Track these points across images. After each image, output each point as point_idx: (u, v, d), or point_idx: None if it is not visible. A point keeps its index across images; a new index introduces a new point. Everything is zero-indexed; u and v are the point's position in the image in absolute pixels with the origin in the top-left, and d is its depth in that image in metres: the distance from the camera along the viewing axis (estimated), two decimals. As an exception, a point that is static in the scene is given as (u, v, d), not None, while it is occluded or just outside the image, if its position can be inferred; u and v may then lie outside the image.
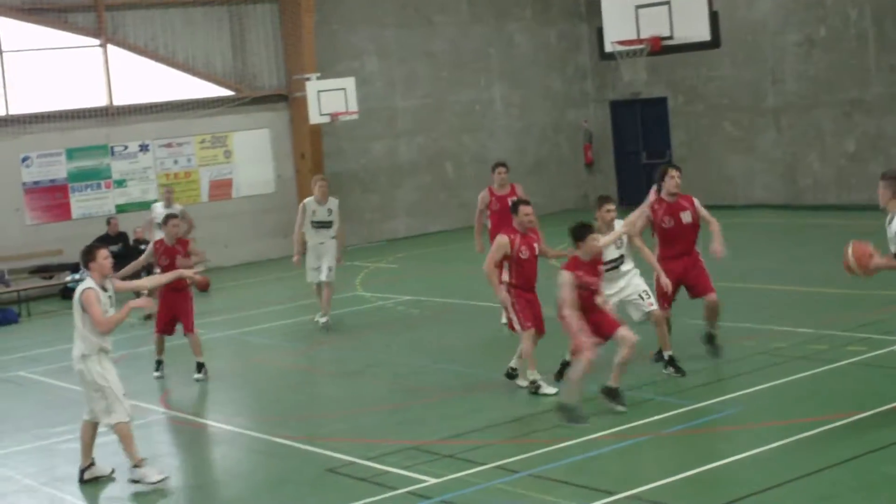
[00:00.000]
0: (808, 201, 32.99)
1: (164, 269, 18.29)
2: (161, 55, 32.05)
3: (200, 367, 18.84)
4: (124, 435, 13.26)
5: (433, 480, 12.41)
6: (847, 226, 27.93)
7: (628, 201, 37.69)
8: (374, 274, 28.86)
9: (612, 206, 15.64)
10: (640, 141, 38.05)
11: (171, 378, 19.11)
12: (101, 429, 13.54)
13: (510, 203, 17.60)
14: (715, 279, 16.57)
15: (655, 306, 15.79)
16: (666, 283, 15.58)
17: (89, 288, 13.18)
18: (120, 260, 27.67)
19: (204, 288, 28.34)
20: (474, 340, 19.86)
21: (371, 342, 20.80)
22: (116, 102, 31.49)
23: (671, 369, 15.89)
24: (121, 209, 31.10)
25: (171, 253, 18.74)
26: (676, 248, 16.32)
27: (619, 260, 15.77)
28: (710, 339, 16.63)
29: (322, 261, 21.93)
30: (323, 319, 21.96)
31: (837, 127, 32.62)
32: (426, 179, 36.29)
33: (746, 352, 16.78)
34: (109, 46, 31.39)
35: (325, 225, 21.85)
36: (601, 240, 14.73)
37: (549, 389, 15.43)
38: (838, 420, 12.96)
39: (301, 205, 22.22)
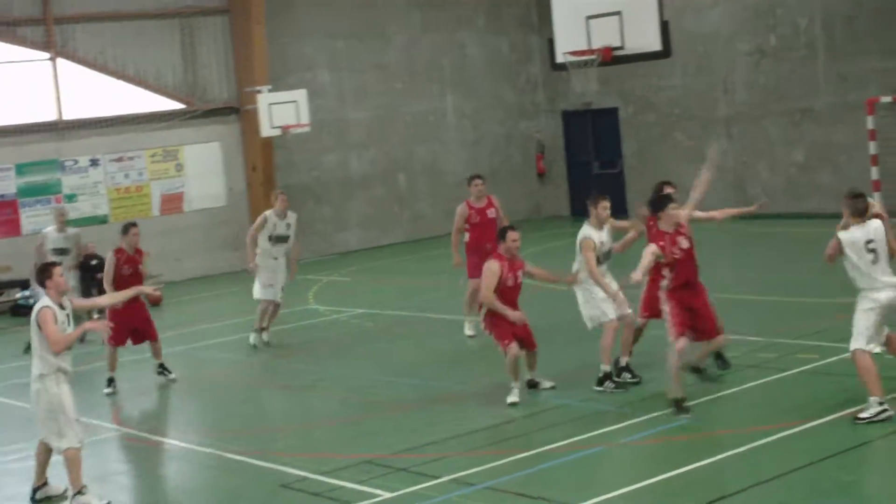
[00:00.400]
0: (758, 210, 33.13)
1: (127, 278, 18.31)
2: (111, 68, 31.86)
3: (164, 367, 19.09)
4: (72, 461, 13.06)
5: (388, 494, 12.38)
6: (796, 234, 28.09)
7: (581, 212, 37.92)
8: (326, 287, 28.79)
9: (607, 203, 15.91)
10: (591, 151, 38.14)
11: (123, 394, 18.98)
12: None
13: (498, 229, 17.23)
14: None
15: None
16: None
17: (46, 306, 12.99)
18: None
19: (156, 302, 28.24)
20: (428, 353, 19.84)
21: (324, 356, 20.75)
22: (66, 116, 31.27)
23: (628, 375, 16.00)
24: (71, 224, 30.80)
25: (133, 262, 18.75)
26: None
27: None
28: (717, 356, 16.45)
29: (277, 279, 21.66)
30: (266, 338, 21.83)
31: (787, 136, 32.81)
32: (378, 192, 36.24)
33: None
34: (59, 60, 31.17)
35: (283, 239, 21.63)
36: (682, 211, 15.05)
37: (512, 398, 15.52)
38: (791, 428, 13.02)
39: (262, 216, 21.83)
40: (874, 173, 29.04)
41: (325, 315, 24.71)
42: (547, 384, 16.26)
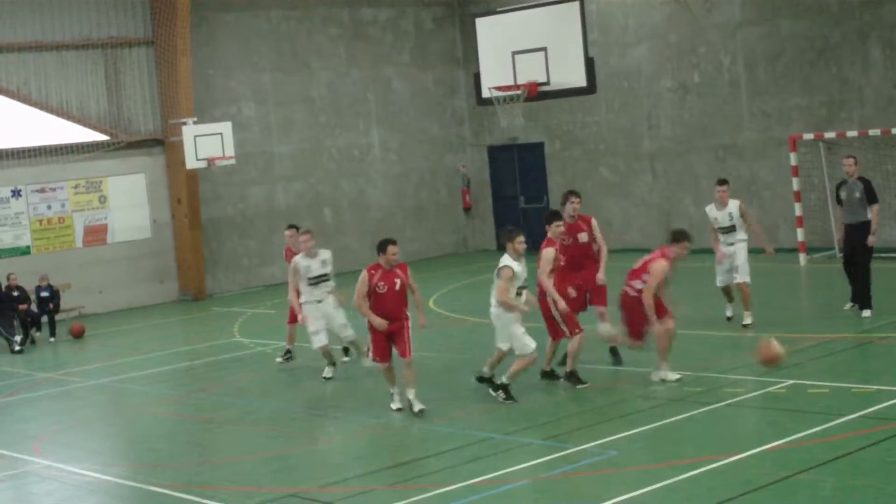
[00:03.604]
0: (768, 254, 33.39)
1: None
2: (34, 99, 31.61)
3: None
4: None
5: (313, 528, 12.30)
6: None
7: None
8: (252, 320, 28.65)
9: (523, 238, 16.93)
10: (517, 185, 38.26)
11: (45, 427, 18.76)
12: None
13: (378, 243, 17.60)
14: (589, 323, 17.16)
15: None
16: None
17: None
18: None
19: (78, 335, 28.02)
20: (353, 386, 19.76)
21: (249, 389, 20.62)
22: (-12, 147, 31.01)
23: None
24: (-8, 255, 30.57)
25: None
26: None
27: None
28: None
29: (329, 320, 20.32)
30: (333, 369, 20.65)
31: (712, 171, 33.05)
32: (304, 225, 36.06)
33: (624, 395, 16.90)
34: (-19, 90, 30.94)
35: (322, 279, 20.36)
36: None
37: (395, 404, 17.04)
38: (715, 461, 13.06)
39: (292, 265, 20.36)
40: (797, 209, 29.38)
41: (250, 348, 24.57)
42: (418, 406, 16.86)
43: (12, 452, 17.10)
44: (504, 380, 17.14)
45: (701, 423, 15.19)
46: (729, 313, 21.69)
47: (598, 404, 16.60)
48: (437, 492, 13.10)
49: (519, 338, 16.86)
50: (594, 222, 18.74)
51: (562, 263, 17.93)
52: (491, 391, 17.26)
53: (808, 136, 29.85)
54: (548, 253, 17.48)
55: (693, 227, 33.20)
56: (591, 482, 13.32)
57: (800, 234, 29.43)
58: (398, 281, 16.94)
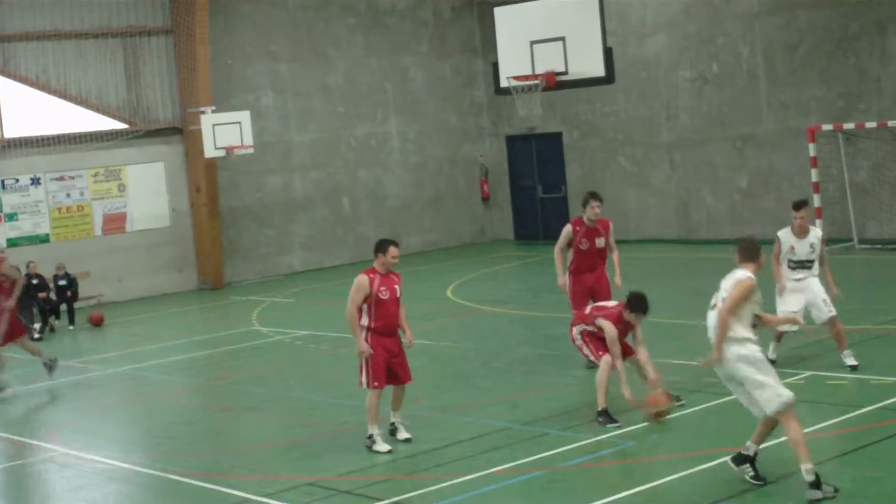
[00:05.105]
0: (702, 236, 33.38)
1: None
2: (53, 87, 31.68)
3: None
4: None
5: (331, 516, 12.34)
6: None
7: (525, 235, 38.09)
8: (270, 308, 28.71)
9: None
10: (535, 175, 38.25)
11: (66, 415, 18.84)
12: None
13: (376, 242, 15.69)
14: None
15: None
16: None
17: None
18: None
19: (97, 323, 28.13)
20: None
21: (267, 377, 20.68)
22: (7, 135, 31.05)
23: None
24: (12, 243, 30.63)
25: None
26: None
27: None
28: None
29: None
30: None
31: (730, 162, 33.05)
32: (322, 214, 36.20)
33: (641, 386, 16.90)
34: (0, 78, 30.98)
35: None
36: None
37: (381, 447, 14.78)
38: (732, 453, 13.05)
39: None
40: (816, 200, 29.32)
41: (269, 336, 24.63)
42: (403, 434, 15.24)
43: (31, 440, 17.19)
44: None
45: (718, 414, 15.19)
46: (772, 355, 17.04)
47: (614, 395, 16.59)
48: (455, 481, 13.14)
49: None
50: (611, 226, 18.76)
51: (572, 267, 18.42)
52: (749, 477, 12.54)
53: (827, 126, 29.79)
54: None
55: (710, 220, 33.36)
56: (608, 473, 13.36)
57: (819, 225, 29.35)
58: (397, 287, 15.04)
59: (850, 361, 16.97)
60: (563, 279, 18.50)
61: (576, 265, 18.48)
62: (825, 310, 17.02)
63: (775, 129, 32.02)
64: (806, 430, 13.44)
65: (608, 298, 17.78)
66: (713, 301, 12.21)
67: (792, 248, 17.27)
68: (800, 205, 17.43)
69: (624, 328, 15.59)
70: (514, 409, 16.38)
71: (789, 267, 17.30)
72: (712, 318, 12.10)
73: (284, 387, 19.65)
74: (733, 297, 11.89)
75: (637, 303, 15.47)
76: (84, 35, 32.10)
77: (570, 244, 18.46)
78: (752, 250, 12.40)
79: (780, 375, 16.43)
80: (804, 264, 17.27)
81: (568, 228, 18.52)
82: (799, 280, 17.21)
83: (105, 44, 32.52)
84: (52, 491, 14.87)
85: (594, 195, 18.72)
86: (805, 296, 17.13)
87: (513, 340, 18.49)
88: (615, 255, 18.66)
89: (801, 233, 17.30)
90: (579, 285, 18.43)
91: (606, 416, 15.10)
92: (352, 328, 15.01)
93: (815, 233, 17.45)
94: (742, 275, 12.10)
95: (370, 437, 14.88)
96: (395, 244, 15.18)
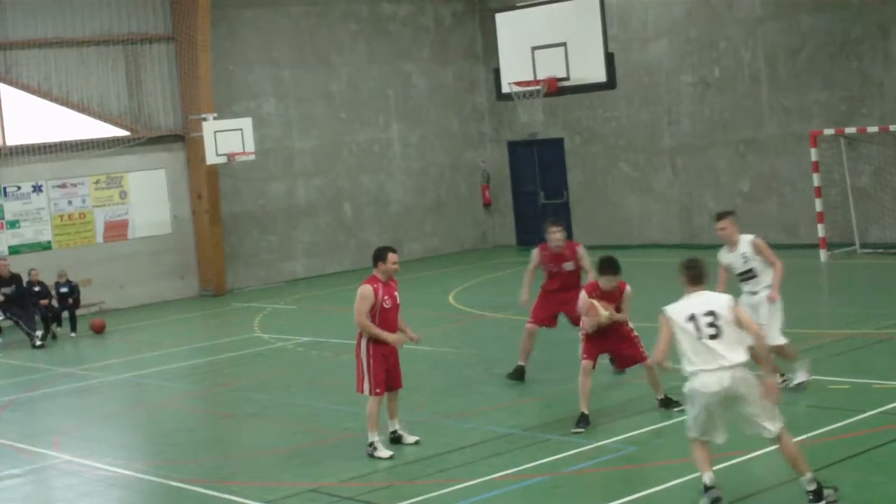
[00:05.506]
0: (705, 241, 33.28)
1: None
2: (55, 95, 31.69)
3: None
4: None
5: (333, 523, 12.33)
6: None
7: (527, 241, 38.07)
8: (272, 315, 28.69)
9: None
10: (537, 181, 38.24)
11: (66, 422, 18.83)
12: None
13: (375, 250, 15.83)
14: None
15: None
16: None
17: None
18: (13, 302, 27.56)
19: (99, 330, 28.12)
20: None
21: (269, 384, 20.67)
22: (9, 142, 31.06)
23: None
24: (14, 250, 30.64)
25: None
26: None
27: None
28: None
29: None
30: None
31: (732, 167, 33.04)
32: (324, 220, 36.20)
33: (643, 391, 16.87)
34: (2, 85, 31.00)
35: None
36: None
37: (383, 453, 14.78)
38: (734, 458, 13.04)
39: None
40: (818, 205, 29.31)
41: (271, 343, 24.62)
42: (410, 439, 15.38)
43: (33, 447, 17.17)
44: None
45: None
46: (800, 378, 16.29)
47: (617, 400, 16.59)
48: (457, 487, 13.13)
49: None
50: (580, 250, 18.32)
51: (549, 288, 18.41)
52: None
53: (829, 131, 29.79)
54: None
55: (713, 225, 33.24)
56: (610, 478, 13.33)
57: (820, 230, 29.33)
58: (397, 295, 15.11)
59: (799, 378, 16.06)
60: (526, 296, 18.53)
61: (548, 285, 18.51)
62: (770, 338, 15.08)
63: (777, 133, 32.00)
64: (807, 435, 13.45)
65: (576, 317, 17.33)
66: (708, 330, 11.53)
67: (729, 264, 16.19)
68: (720, 216, 16.51)
69: (601, 296, 15.57)
70: (516, 415, 16.37)
71: (740, 281, 16.16)
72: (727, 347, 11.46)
73: (286, 393, 19.64)
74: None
75: (604, 266, 15.56)
76: (86, 42, 32.11)
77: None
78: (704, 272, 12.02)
79: (782, 380, 16.50)
80: (747, 276, 16.08)
81: (535, 252, 18.52)
82: (753, 294, 16.01)
83: (107, 51, 32.53)
84: (55, 498, 14.85)
85: (553, 222, 18.63)
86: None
87: (514, 346, 18.47)
88: (591, 276, 17.57)
89: (731, 245, 16.21)
90: (547, 300, 18.41)
91: (580, 421, 15.19)
92: (371, 334, 14.96)
93: (745, 241, 16.14)
94: (728, 298, 11.84)
95: (371, 444, 14.87)
96: (394, 251, 15.26)
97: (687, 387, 11.59)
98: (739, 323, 11.51)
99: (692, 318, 11.55)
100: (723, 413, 11.57)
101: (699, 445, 11.70)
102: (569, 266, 18.20)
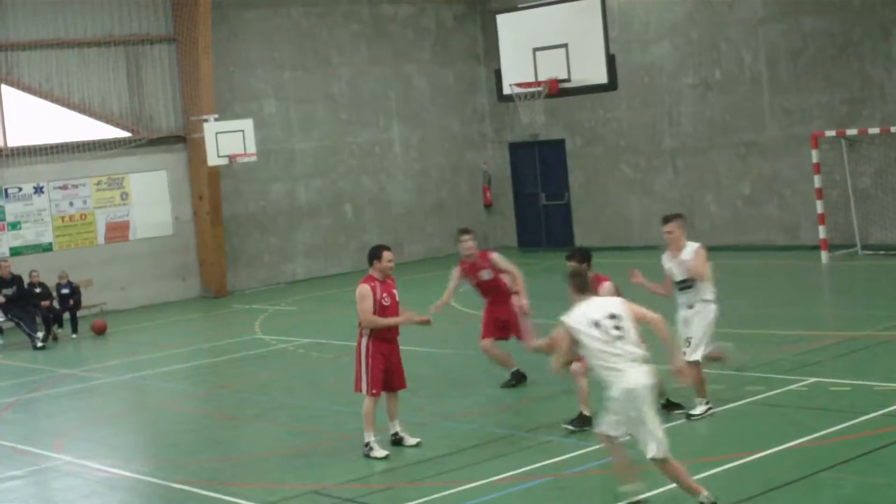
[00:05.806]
0: (705, 242, 33.27)
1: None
2: (56, 95, 31.70)
3: None
4: None
5: (334, 525, 12.32)
6: (743, 266, 28.22)
7: (529, 243, 38.07)
8: (273, 317, 28.69)
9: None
10: (538, 182, 38.22)
11: (67, 423, 18.82)
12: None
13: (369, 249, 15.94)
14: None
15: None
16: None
17: None
18: (14, 303, 27.56)
19: (100, 331, 28.11)
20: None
21: (270, 385, 20.66)
22: (11, 143, 31.06)
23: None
24: (15, 252, 30.65)
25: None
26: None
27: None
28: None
29: None
30: None
31: (733, 169, 33.02)
32: (325, 221, 36.20)
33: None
34: (3, 87, 31.00)
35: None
36: None
37: (378, 453, 14.80)
38: (736, 459, 13.04)
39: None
40: (819, 206, 29.29)
41: (272, 345, 24.61)
42: (411, 440, 15.33)
43: (34, 448, 17.17)
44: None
45: (722, 420, 15.15)
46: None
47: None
48: (459, 489, 13.11)
49: None
50: (494, 256, 18.12)
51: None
52: None
53: (830, 133, 29.77)
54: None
55: (714, 227, 33.29)
56: (611, 480, 13.31)
57: (822, 232, 29.31)
58: (395, 292, 15.19)
59: (696, 410, 15.20)
60: (439, 304, 18.14)
61: (486, 299, 18.39)
62: (688, 352, 14.94)
63: (778, 135, 31.99)
64: (809, 437, 13.43)
65: (518, 329, 17.54)
66: (614, 332, 11.56)
67: (669, 268, 15.64)
68: (667, 219, 15.99)
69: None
70: (518, 416, 16.37)
71: (678, 290, 15.48)
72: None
73: (287, 395, 19.63)
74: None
75: (572, 255, 15.54)
76: (87, 43, 32.12)
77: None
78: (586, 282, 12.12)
79: (783, 382, 16.53)
80: (684, 285, 15.37)
81: (455, 268, 18.44)
82: (690, 307, 15.30)
83: (108, 52, 32.53)
84: (56, 500, 14.84)
85: (463, 230, 18.50)
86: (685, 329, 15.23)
87: (516, 347, 18.44)
88: (518, 279, 17.73)
89: (674, 250, 15.63)
90: (490, 316, 18.27)
91: (578, 421, 15.19)
92: (381, 326, 15.00)
93: (690, 249, 15.54)
94: (619, 300, 12.07)
95: (367, 444, 14.89)
96: (388, 248, 15.39)
97: (616, 389, 11.51)
98: (636, 318, 11.75)
99: (596, 323, 11.59)
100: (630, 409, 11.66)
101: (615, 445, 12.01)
102: (485, 275, 18.02)
